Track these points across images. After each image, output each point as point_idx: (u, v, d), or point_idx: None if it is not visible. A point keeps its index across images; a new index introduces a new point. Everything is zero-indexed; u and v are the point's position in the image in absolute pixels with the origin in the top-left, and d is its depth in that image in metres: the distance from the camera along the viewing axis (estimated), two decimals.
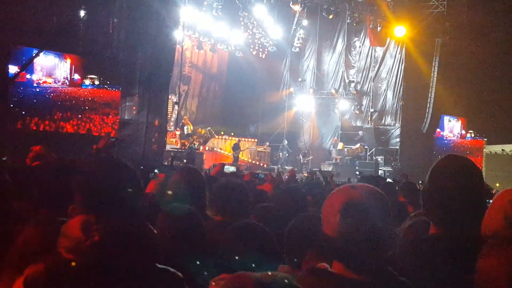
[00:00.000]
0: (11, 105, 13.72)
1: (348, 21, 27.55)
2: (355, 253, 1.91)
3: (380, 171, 23.60)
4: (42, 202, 2.81)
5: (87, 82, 15.25)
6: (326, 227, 2.00)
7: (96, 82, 15.61)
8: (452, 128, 26.11)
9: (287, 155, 26.77)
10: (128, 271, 1.88)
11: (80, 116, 15.15)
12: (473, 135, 25.08)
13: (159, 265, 2.06)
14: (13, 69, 13.58)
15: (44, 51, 14.49)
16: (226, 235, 2.78)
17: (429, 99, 24.27)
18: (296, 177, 16.17)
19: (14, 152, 9.94)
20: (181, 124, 24.15)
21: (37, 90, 13.95)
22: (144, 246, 1.95)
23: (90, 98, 15.24)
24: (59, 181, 2.66)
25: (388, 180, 12.70)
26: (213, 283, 1.74)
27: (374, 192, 2.01)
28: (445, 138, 25.33)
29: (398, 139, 25.94)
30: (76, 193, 2.10)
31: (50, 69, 14.49)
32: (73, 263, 1.85)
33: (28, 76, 13.69)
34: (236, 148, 24.18)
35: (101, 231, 1.86)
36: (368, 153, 25.99)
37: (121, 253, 1.88)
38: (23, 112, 13.87)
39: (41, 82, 14.19)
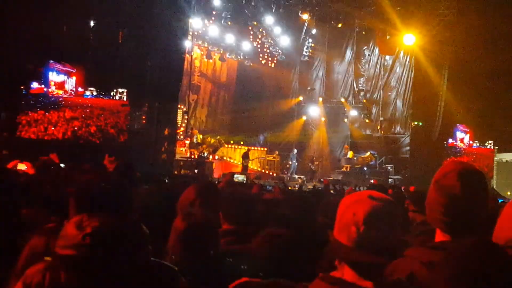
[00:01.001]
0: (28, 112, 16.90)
1: (357, 29, 27.57)
2: (372, 262, 1.90)
3: (390, 180, 23.52)
4: (53, 210, 2.89)
5: (87, 93, 18.14)
6: (342, 236, 1.99)
7: (94, 93, 18.17)
8: (462, 138, 25.95)
9: (296, 163, 26.72)
10: (122, 263, 1.95)
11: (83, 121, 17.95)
12: (478, 144, 24.85)
13: (153, 259, 2.13)
14: (34, 84, 16.96)
15: (56, 71, 17.45)
16: (258, 241, 2.82)
17: (439, 107, 24.17)
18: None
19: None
20: (189, 133, 24.21)
21: (52, 99, 17.46)
22: (135, 241, 2.03)
23: (89, 104, 18.07)
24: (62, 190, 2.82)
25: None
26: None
27: (392, 203, 2.01)
28: (455, 147, 25.16)
29: (408, 148, 25.85)
30: (71, 200, 2.40)
31: (60, 84, 17.74)
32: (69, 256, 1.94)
33: (45, 89, 17.16)
34: (245, 157, 24.17)
35: (93, 224, 1.96)
36: (378, 162, 25.90)
37: (113, 245, 1.95)
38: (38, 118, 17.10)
39: (54, 93, 17.51)
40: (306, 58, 30.03)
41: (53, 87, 17.41)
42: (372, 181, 19.04)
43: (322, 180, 20.07)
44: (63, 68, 17.67)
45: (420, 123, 25.48)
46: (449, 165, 2.38)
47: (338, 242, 1.96)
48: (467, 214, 2.23)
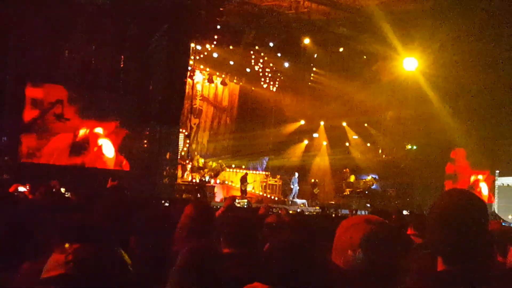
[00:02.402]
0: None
1: (357, 54, 27.66)
2: (368, 286, 1.89)
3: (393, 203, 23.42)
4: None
5: None
6: (338, 259, 1.98)
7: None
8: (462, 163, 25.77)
9: (298, 187, 26.65)
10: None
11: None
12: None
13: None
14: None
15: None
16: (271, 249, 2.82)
17: (437, 131, 24.15)
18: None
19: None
20: (191, 157, 24.24)
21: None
22: (116, 269, 2.03)
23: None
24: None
25: (405, 212, 12.65)
26: None
27: (391, 227, 2.01)
28: (455, 173, 25.02)
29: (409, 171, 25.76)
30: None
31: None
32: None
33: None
34: (243, 181, 24.12)
35: (75, 246, 1.97)
36: (379, 186, 25.83)
37: (96, 266, 1.95)
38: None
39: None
40: (308, 82, 30.11)
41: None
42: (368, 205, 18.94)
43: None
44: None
45: (415, 147, 25.51)
46: (451, 192, 2.38)
47: (333, 264, 1.96)
48: (468, 242, 2.21)
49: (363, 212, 12.79)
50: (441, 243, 2.27)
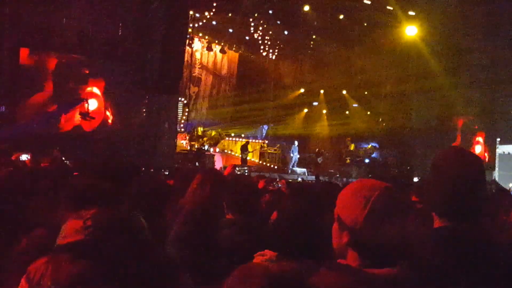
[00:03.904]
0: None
1: (358, 21, 27.38)
2: (379, 247, 1.87)
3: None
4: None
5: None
6: (347, 219, 1.96)
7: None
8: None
9: (298, 156, 26.64)
10: (121, 254, 1.93)
11: None
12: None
13: (154, 253, 2.14)
14: None
15: None
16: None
17: (438, 98, 24.08)
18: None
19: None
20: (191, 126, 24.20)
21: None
22: (134, 228, 2.04)
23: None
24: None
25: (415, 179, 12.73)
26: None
27: (398, 190, 2.01)
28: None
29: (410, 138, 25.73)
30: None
31: None
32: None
33: None
34: (244, 149, 24.13)
35: (92, 212, 2.00)
36: (380, 153, 25.84)
37: (114, 229, 1.96)
38: None
39: None
40: (308, 50, 29.89)
41: None
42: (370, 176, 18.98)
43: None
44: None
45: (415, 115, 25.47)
46: (448, 150, 2.42)
47: (344, 224, 1.93)
48: (465, 198, 2.22)
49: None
50: (436, 200, 2.29)
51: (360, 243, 1.90)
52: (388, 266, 1.85)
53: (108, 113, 18.23)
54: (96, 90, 17.95)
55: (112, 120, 18.23)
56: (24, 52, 16.54)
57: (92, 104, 17.77)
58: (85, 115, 17.29)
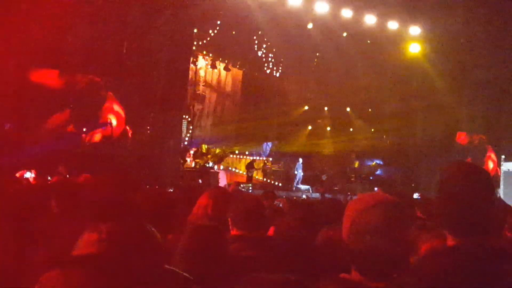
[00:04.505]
0: None
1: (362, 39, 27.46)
2: (374, 261, 1.89)
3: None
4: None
5: None
6: (351, 240, 1.99)
7: None
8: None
9: (302, 173, 26.62)
10: (137, 263, 1.93)
11: None
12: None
13: (167, 266, 2.16)
14: None
15: None
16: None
17: (442, 115, 24.04)
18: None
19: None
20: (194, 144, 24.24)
21: None
22: (148, 247, 2.03)
23: None
24: None
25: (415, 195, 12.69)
26: None
27: (402, 205, 2.02)
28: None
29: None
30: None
31: None
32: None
33: None
34: (250, 167, 24.14)
35: (108, 225, 1.98)
36: (384, 171, 25.80)
37: (129, 244, 1.96)
38: None
39: None
40: (311, 67, 29.95)
41: None
42: (376, 189, 18.94)
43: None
44: None
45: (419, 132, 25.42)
46: (454, 165, 2.38)
47: (347, 245, 1.95)
48: (474, 214, 2.20)
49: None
50: (446, 216, 2.27)
51: (350, 257, 1.94)
52: (385, 280, 1.88)
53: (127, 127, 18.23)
54: (116, 107, 17.88)
55: (131, 134, 18.25)
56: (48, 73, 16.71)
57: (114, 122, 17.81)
58: (108, 138, 17.27)
